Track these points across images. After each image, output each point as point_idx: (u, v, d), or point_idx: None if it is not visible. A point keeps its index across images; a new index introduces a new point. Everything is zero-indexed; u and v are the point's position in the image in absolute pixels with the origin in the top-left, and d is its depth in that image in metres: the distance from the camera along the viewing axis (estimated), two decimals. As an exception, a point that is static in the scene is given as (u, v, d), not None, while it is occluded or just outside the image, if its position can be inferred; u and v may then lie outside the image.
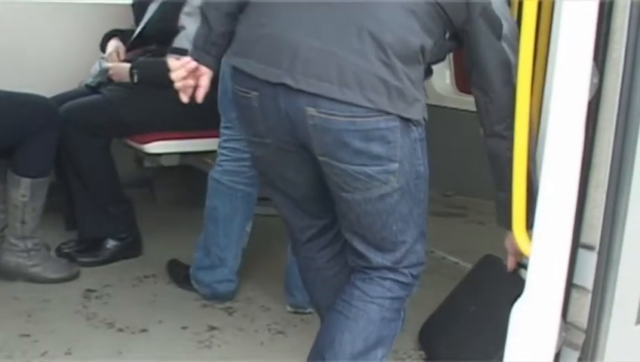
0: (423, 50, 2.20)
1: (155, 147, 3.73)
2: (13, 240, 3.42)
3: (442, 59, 2.43)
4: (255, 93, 2.25)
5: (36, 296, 3.33)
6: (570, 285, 2.22)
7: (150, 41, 3.91)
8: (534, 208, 2.13)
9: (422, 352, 3.02)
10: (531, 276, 2.14)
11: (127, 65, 3.78)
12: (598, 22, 2.02)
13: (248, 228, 3.39)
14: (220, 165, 3.32)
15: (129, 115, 3.69)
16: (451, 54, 2.55)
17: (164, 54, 3.75)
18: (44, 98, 3.49)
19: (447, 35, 2.28)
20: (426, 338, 3.03)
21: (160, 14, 3.86)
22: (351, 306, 2.40)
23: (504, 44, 2.26)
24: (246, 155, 3.27)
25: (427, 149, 2.34)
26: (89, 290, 3.42)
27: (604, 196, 2.18)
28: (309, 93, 2.14)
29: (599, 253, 2.21)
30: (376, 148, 2.19)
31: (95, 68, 3.90)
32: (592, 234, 2.22)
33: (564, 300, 2.20)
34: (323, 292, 2.64)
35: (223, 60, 2.45)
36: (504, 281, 2.57)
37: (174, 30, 3.73)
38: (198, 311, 3.33)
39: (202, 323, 3.21)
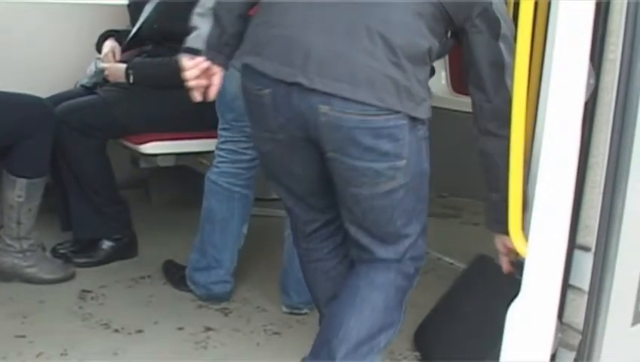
0: (430, 51, 2.28)
1: (150, 148, 3.72)
2: (8, 241, 3.41)
3: (442, 57, 2.48)
4: (268, 91, 2.31)
5: (32, 297, 3.32)
6: (566, 286, 2.23)
7: (146, 41, 3.91)
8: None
9: (417, 353, 3.02)
10: (527, 277, 2.14)
11: (123, 65, 3.78)
12: (594, 22, 2.02)
13: (244, 230, 3.39)
14: (217, 167, 3.32)
15: (125, 115, 3.68)
16: (447, 55, 2.59)
17: (159, 55, 3.80)
18: (39, 98, 3.48)
19: (449, 34, 2.34)
20: (422, 339, 3.03)
21: (156, 15, 3.85)
22: (356, 295, 2.47)
23: (501, 44, 2.29)
24: (243, 157, 3.28)
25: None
26: (85, 291, 3.41)
27: (601, 197, 2.18)
28: (323, 92, 2.22)
29: (595, 254, 2.21)
30: (385, 145, 2.26)
31: (91, 68, 3.90)
32: (588, 235, 2.22)
33: (560, 301, 2.20)
34: (322, 284, 2.71)
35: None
36: (498, 281, 2.58)
37: (170, 31, 3.76)
38: (194, 312, 3.32)
39: (198, 324, 3.20)
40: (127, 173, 4.09)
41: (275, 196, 4.21)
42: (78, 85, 3.93)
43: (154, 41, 3.87)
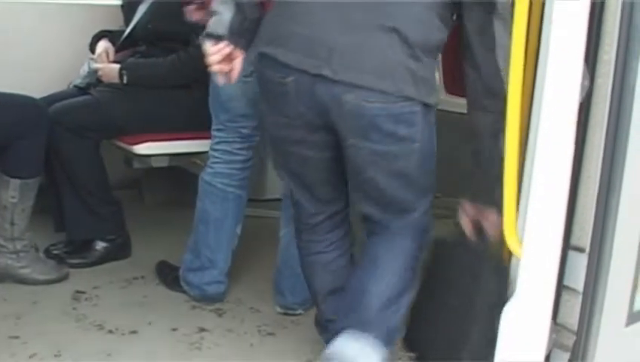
0: (442, 41, 2.46)
1: (144, 148, 3.72)
2: (2, 242, 3.40)
3: None
4: (292, 79, 2.43)
5: (25, 298, 3.31)
6: (560, 287, 2.23)
7: (140, 42, 3.91)
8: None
9: (411, 354, 3.02)
10: (522, 277, 2.14)
11: (117, 66, 3.77)
12: (589, 24, 2.03)
13: (238, 230, 3.39)
14: (211, 167, 3.32)
15: (118, 116, 3.68)
16: (439, 57, 2.67)
17: (153, 55, 3.79)
18: (33, 99, 3.48)
19: (454, 17, 2.46)
20: (415, 338, 3.02)
21: (149, 15, 3.85)
22: (377, 263, 2.62)
23: (495, 21, 2.36)
24: (237, 158, 3.28)
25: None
26: (78, 292, 3.41)
27: (595, 198, 2.18)
28: (347, 83, 2.37)
29: (590, 255, 2.21)
30: (403, 130, 2.43)
31: (84, 69, 3.89)
32: (583, 236, 2.22)
33: (555, 302, 2.20)
34: (322, 277, 2.80)
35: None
36: (470, 263, 2.61)
37: (163, 31, 3.76)
38: (188, 313, 3.32)
39: (192, 324, 3.20)
40: (120, 173, 4.08)
41: (269, 197, 4.25)
42: (71, 86, 3.93)
43: (147, 41, 3.87)
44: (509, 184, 2.20)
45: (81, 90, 3.84)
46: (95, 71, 3.82)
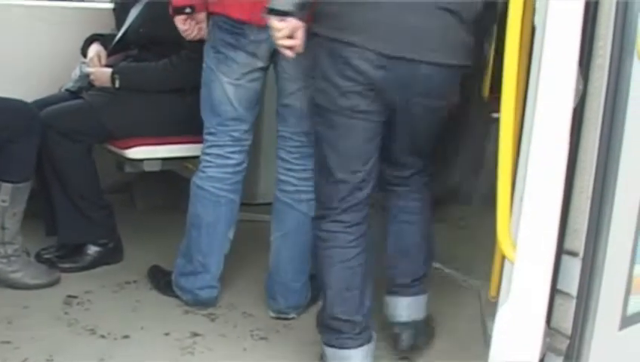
0: (479, 5, 2.78)
1: (136, 152, 3.71)
2: (-7, 246, 3.40)
3: None
4: (370, 58, 2.66)
5: (16, 303, 3.30)
6: (554, 291, 2.23)
7: (132, 45, 3.90)
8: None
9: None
10: (516, 281, 2.14)
11: (109, 70, 3.76)
12: (582, 27, 2.03)
13: (231, 235, 3.38)
14: (202, 171, 3.31)
15: (110, 120, 3.67)
16: None
17: (145, 59, 3.79)
18: (24, 103, 3.47)
19: None
20: None
21: (141, 19, 3.84)
22: (416, 216, 3.05)
23: None
24: (229, 162, 3.27)
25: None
26: (70, 296, 3.40)
27: (589, 202, 2.18)
28: (422, 61, 2.67)
29: (583, 260, 2.21)
30: (453, 88, 2.84)
31: (76, 72, 3.88)
32: (577, 240, 2.22)
33: (548, 306, 2.20)
34: (339, 273, 2.81)
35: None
36: None
37: (156, 35, 3.75)
38: (181, 318, 3.31)
39: (185, 329, 3.19)
40: (112, 177, 4.07)
41: (261, 201, 4.25)
42: (62, 89, 3.92)
43: (140, 45, 3.86)
44: (502, 188, 2.20)
45: (72, 94, 3.83)
46: (87, 75, 3.81)
